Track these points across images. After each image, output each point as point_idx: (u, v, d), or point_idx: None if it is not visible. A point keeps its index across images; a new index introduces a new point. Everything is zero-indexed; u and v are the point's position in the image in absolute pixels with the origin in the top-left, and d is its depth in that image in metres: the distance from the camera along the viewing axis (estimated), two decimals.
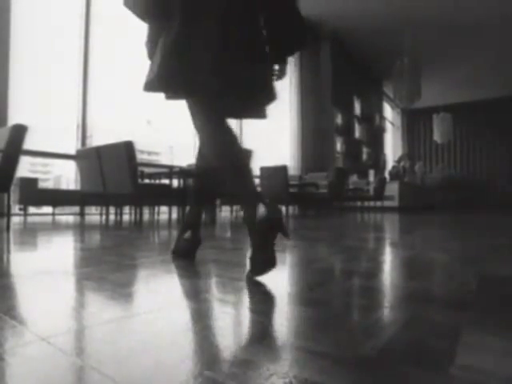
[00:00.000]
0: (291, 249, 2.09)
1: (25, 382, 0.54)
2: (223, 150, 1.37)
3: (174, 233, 3.08)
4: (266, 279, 1.24)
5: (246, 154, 4.22)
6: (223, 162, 1.36)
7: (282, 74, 1.62)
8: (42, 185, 5.49)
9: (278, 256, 1.82)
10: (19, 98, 4.52)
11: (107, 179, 3.75)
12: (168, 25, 1.36)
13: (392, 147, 14.73)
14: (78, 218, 5.06)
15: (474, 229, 3.91)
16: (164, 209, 5.34)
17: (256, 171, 5.73)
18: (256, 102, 1.53)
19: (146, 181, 4.56)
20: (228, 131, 1.39)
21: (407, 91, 9.07)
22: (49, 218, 4.90)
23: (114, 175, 3.66)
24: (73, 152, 4.88)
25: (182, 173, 4.21)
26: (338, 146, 9.70)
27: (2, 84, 4.29)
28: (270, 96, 1.49)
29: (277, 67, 1.59)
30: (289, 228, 3.88)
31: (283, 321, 0.83)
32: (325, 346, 0.66)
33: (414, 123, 15.19)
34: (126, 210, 5.06)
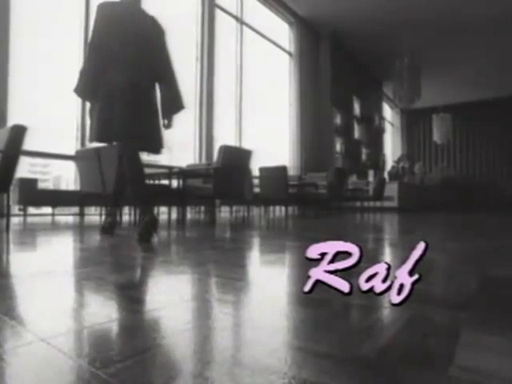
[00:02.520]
0: (291, 249, 2.09)
1: (24, 383, 0.54)
2: (133, 168, 2.37)
3: (174, 233, 3.08)
4: (266, 279, 1.24)
5: (245, 155, 4.22)
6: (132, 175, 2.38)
7: (168, 126, 2.48)
8: (41, 185, 5.48)
9: (278, 257, 1.82)
10: (19, 98, 4.51)
11: (107, 180, 3.75)
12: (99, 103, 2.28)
13: (391, 147, 14.73)
14: (77, 218, 5.05)
15: (474, 229, 3.91)
16: (164, 209, 5.34)
17: (256, 171, 5.73)
18: (151, 144, 2.45)
19: (146, 181, 4.55)
20: (137, 159, 2.39)
21: (407, 91, 9.08)
22: (48, 219, 4.89)
23: (114, 176, 3.65)
24: (72, 152, 4.87)
25: (182, 173, 4.21)
26: (338, 147, 9.69)
27: (2, 84, 4.29)
28: (159, 142, 2.42)
29: (166, 121, 2.46)
30: (288, 228, 3.88)
31: (283, 321, 0.83)
32: (324, 346, 0.66)
33: (414, 123, 15.19)
34: (126, 210, 5.06)
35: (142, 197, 2.34)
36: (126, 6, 2.37)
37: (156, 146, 2.44)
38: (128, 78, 2.25)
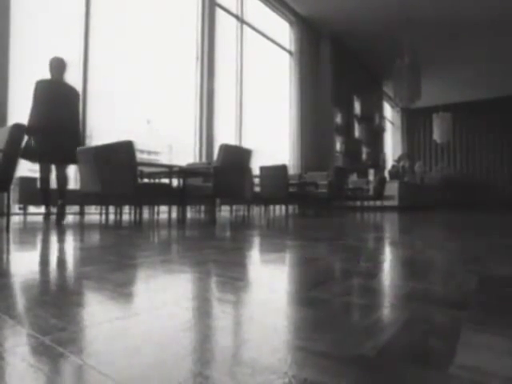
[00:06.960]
0: (291, 248, 2.09)
1: (24, 382, 0.54)
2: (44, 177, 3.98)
3: (174, 232, 3.08)
4: (266, 279, 1.24)
5: (245, 154, 4.22)
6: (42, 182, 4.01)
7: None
8: None
9: (278, 256, 1.82)
10: (19, 98, 4.50)
11: (107, 179, 3.75)
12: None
13: (392, 147, 14.73)
14: (77, 217, 5.05)
15: (474, 228, 3.91)
16: (164, 208, 5.34)
17: (256, 171, 5.72)
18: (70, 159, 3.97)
19: (146, 180, 4.55)
20: (48, 170, 3.99)
21: (407, 91, 9.06)
22: None
23: (114, 175, 3.66)
24: None
25: (182, 172, 4.21)
26: (338, 146, 9.69)
27: (2, 84, 4.28)
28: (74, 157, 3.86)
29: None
30: (288, 227, 3.88)
31: (283, 320, 0.83)
32: (325, 346, 0.66)
33: (414, 123, 15.18)
34: (126, 209, 5.06)
35: (64, 186, 4.06)
36: (56, 81, 3.93)
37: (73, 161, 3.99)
38: (59, 123, 3.80)
